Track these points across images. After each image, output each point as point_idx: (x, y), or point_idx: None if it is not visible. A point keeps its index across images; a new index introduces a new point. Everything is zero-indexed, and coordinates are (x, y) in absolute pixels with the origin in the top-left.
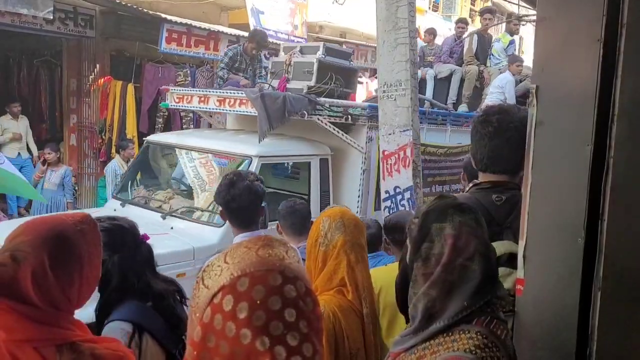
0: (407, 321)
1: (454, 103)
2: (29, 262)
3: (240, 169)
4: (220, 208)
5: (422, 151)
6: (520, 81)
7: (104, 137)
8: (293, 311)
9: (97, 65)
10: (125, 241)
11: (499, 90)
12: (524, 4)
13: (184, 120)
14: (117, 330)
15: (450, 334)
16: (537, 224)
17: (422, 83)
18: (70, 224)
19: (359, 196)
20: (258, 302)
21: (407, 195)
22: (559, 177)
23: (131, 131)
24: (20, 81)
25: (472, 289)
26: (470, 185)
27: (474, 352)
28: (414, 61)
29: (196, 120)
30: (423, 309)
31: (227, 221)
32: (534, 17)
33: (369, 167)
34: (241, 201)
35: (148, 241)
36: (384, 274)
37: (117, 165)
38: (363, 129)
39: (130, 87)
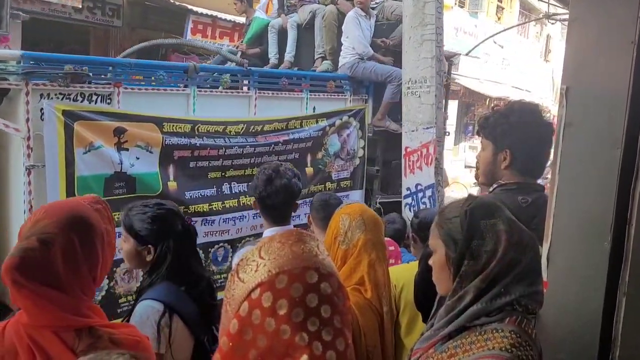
0: (425, 319)
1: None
2: (58, 243)
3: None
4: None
5: (221, 130)
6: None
7: None
8: (328, 307)
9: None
10: (176, 226)
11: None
12: (555, 3)
13: None
14: (148, 308)
15: (483, 332)
16: (562, 226)
17: (282, 35)
18: (87, 205)
19: (25, 211)
20: (297, 299)
21: (428, 193)
22: (586, 179)
23: None
24: None
25: (523, 282)
26: (495, 185)
27: (510, 350)
28: (439, 58)
29: None
30: (471, 299)
31: (259, 211)
32: (565, 16)
33: (47, 160)
34: (277, 199)
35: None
36: (405, 271)
37: None
38: (19, 97)
39: None
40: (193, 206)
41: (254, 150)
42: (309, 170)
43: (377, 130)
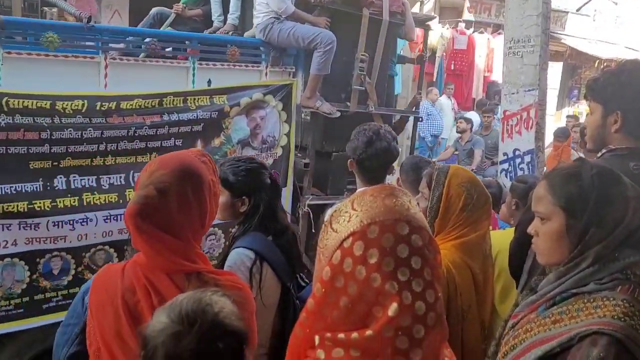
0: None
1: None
2: (173, 192)
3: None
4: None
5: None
6: None
7: None
8: (419, 259)
9: None
10: (265, 178)
11: None
12: None
13: None
14: (241, 255)
15: (591, 300)
16: None
17: None
18: (195, 158)
19: None
20: (387, 249)
21: (527, 158)
22: None
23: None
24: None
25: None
26: (604, 150)
27: (622, 319)
28: (546, 15)
29: None
30: (587, 265)
31: (353, 170)
32: None
33: None
34: (376, 162)
35: None
36: (501, 237)
37: None
38: None
39: None
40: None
41: (102, 134)
42: None
43: (311, 112)
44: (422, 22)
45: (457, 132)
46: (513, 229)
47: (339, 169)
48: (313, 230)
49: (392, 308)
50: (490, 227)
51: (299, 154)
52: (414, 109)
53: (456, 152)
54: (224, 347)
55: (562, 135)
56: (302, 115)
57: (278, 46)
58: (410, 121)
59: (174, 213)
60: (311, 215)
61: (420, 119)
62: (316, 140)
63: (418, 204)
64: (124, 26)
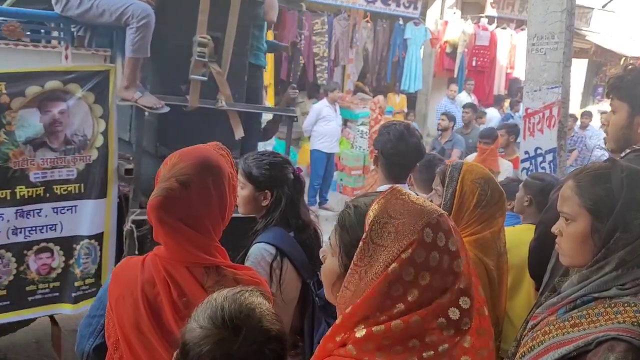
0: (538, 288)
1: None
2: (195, 184)
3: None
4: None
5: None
6: None
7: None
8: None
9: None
10: (288, 173)
11: None
12: None
13: (318, 69)
14: (262, 250)
15: (612, 305)
16: None
17: None
18: (214, 151)
19: None
20: (442, 247)
21: (549, 157)
22: None
23: (268, 78)
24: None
25: None
26: (628, 150)
27: None
28: (571, 11)
29: (330, 70)
30: (611, 270)
31: (377, 166)
32: None
33: None
34: (407, 158)
35: None
36: (510, 234)
37: None
38: None
39: (270, 34)
40: None
41: None
42: None
43: (135, 106)
44: (293, 2)
45: (438, 129)
46: (524, 225)
47: None
48: (137, 252)
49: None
50: None
51: (130, 157)
52: (287, 107)
53: (433, 151)
54: (270, 353)
55: (488, 137)
56: (144, 111)
57: (83, 22)
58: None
59: (195, 205)
60: (135, 234)
61: (295, 118)
62: (149, 140)
63: (432, 201)
64: None
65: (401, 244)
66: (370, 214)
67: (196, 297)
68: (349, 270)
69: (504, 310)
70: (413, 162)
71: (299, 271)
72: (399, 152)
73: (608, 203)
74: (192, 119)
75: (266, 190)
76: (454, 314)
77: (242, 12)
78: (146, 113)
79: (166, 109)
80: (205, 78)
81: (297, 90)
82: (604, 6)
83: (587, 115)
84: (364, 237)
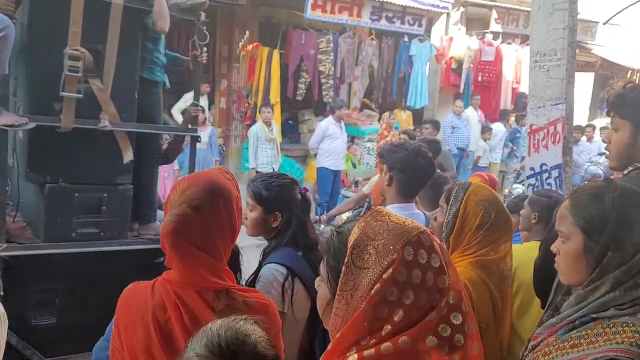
0: (543, 306)
1: None
2: (207, 208)
3: None
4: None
5: None
6: None
7: (250, 101)
8: (452, 271)
9: (247, 32)
10: (296, 194)
11: None
12: None
13: (323, 87)
14: (274, 271)
15: (611, 325)
16: None
17: None
18: (220, 175)
19: None
20: (425, 264)
21: (554, 173)
22: None
23: (274, 97)
24: (180, 48)
25: None
26: (631, 168)
27: None
28: (572, 28)
29: (336, 87)
30: (607, 290)
31: (389, 186)
32: None
33: None
34: (424, 174)
35: None
36: (520, 252)
37: (259, 129)
38: None
39: (276, 53)
40: None
41: None
42: None
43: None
44: (190, 11)
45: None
46: (532, 243)
47: (61, 205)
48: (2, 294)
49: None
50: None
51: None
52: (189, 126)
53: None
54: None
55: None
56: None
57: None
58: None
59: (208, 229)
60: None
61: (199, 138)
62: (22, 165)
63: (436, 217)
64: None
65: (382, 264)
66: (351, 238)
67: (207, 321)
68: (336, 297)
69: (508, 336)
70: (428, 179)
71: (308, 290)
72: (418, 168)
73: (600, 222)
74: (71, 142)
75: (276, 212)
76: (445, 330)
77: (127, 22)
78: (20, 134)
79: (30, 126)
80: (80, 95)
81: (200, 108)
82: (605, 23)
83: (580, 129)
84: (345, 261)
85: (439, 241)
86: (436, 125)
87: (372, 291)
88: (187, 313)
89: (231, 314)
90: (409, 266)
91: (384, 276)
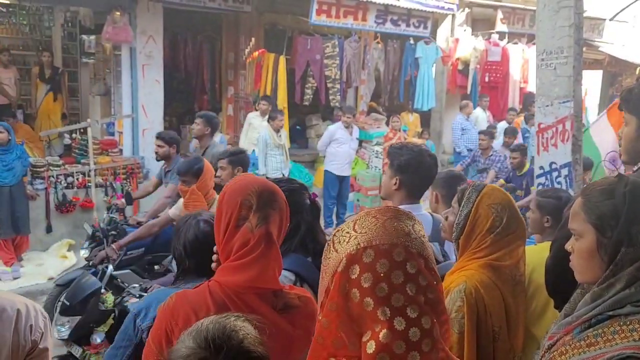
0: (557, 306)
1: None
2: (282, 209)
3: None
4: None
5: None
6: None
7: (257, 107)
8: (414, 286)
9: (252, 39)
10: (305, 199)
11: None
12: None
13: (330, 92)
14: (282, 277)
15: (628, 322)
16: None
17: None
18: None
19: None
20: (382, 274)
21: (564, 172)
22: None
23: (282, 102)
24: (186, 56)
25: None
26: (638, 166)
27: None
28: (579, 26)
29: (342, 92)
30: (622, 287)
31: (398, 189)
32: None
33: None
34: (430, 172)
35: None
36: (535, 253)
37: (267, 135)
38: None
39: (282, 59)
40: None
41: None
42: None
43: None
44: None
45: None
46: (546, 243)
47: None
48: None
49: (383, 334)
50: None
51: None
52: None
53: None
54: None
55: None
56: None
57: None
58: None
59: (283, 229)
60: None
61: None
62: None
63: (447, 217)
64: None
65: (344, 254)
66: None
67: (269, 320)
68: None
69: (522, 340)
70: (434, 177)
71: (315, 296)
72: (422, 170)
73: (612, 218)
74: None
75: None
76: (414, 335)
77: None
78: None
79: None
80: None
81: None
82: (611, 19)
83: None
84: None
85: (422, 269)
86: (491, 135)
87: (334, 277)
88: (249, 313)
89: (291, 311)
90: (363, 267)
91: (340, 267)
